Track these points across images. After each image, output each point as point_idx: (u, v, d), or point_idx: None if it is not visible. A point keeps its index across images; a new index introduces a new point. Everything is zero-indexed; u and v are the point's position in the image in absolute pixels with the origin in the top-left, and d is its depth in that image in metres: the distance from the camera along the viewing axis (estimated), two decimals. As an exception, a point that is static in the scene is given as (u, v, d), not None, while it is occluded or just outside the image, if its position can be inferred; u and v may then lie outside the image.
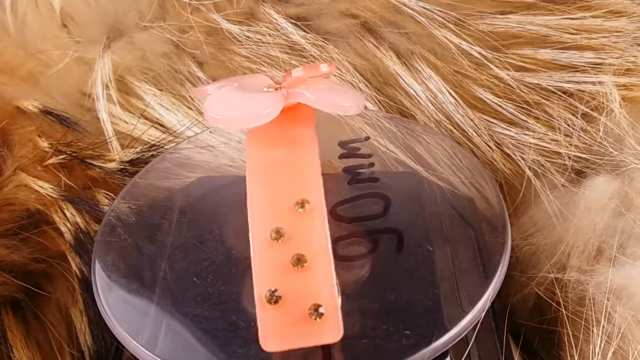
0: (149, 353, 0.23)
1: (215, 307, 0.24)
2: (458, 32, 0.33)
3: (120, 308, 0.25)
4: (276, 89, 0.26)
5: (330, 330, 0.21)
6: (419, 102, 0.33)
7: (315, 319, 0.21)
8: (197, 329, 0.24)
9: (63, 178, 0.31)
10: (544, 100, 0.33)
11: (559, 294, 0.29)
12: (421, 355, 0.22)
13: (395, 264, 0.26)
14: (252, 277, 0.22)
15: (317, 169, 0.24)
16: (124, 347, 0.25)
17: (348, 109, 0.26)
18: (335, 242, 0.26)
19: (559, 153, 0.32)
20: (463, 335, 0.23)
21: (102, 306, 0.25)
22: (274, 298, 0.22)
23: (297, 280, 0.22)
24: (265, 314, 0.22)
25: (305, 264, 0.22)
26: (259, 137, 0.25)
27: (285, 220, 0.23)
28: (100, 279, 0.26)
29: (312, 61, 0.34)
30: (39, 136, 0.32)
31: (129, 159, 0.32)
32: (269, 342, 0.21)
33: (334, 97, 0.26)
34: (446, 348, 0.23)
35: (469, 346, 0.25)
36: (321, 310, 0.21)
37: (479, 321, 0.24)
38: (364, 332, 0.23)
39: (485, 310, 0.24)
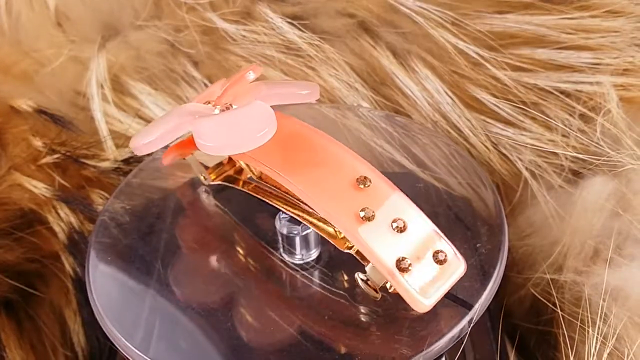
0: (142, 355, 0.23)
1: (209, 309, 0.24)
2: (455, 31, 0.33)
3: (114, 309, 0.24)
4: (227, 108, 0.24)
5: (457, 265, 0.23)
6: (415, 101, 0.33)
7: (441, 263, 0.22)
8: (191, 331, 0.24)
9: (57, 177, 0.31)
10: (541, 101, 0.32)
11: (555, 294, 0.28)
12: (417, 358, 0.22)
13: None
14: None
15: (349, 150, 0.24)
16: (117, 347, 0.25)
17: (309, 96, 0.25)
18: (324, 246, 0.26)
19: (556, 153, 0.32)
20: (458, 339, 0.23)
21: (95, 307, 0.24)
22: (404, 264, 0.22)
23: (408, 242, 0.22)
24: (402, 281, 0.22)
25: (404, 227, 0.22)
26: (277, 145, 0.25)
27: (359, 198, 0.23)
28: (94, 279, 0.25)
29: (308, 61, 0.34)
30: (33, 135, 0.32)
31: (123, 158, 0.32)
32: (420, 304, 0.22)
33: (291, 89, 0.26)
34: (442, 352, 0.23)
35: (466, 347, 0.25)
36: (441, 256, 0.22)
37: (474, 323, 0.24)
38: (360, 335, 0.23)
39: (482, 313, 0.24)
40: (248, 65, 0.27)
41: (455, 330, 0.23)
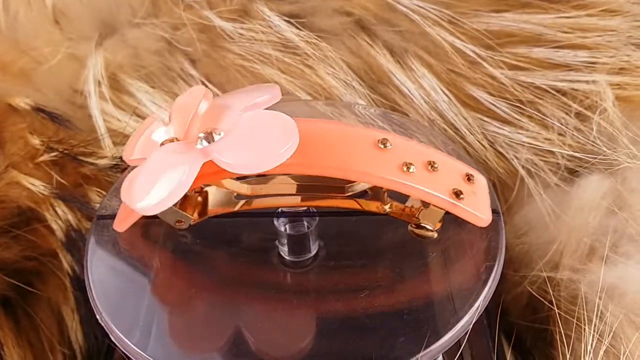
0: (141, 352, 0.23)
1: (207, 306, 0.24)
2: (452, 30, 0.33)
3: (113, 306, 0.24)
4: (208, 136, 0.23)
5: (482, 179, 0.26)
6: (412, 100, 0.33)
7: (473, 182, 0.25)
8: (189, 329, 0.24)
9: (55, 175, 0.31)
10: (537, 99, 0.33)
11: (551, 292, 0.29)
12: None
13: (388, 266, 0.26)
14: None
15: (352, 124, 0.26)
16: (115, 345, 0.25)
17: (271, 100, 0.25)
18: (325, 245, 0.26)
19: (552, 152, 0.32)
20: (456, 340, 0.23)
21: (94, 304, 0.25)
22: (457, 193, 0.24)
23: (446, 176, 0.25)
24: (463, 207, 0.25)
25: (436, 166, 0.24)
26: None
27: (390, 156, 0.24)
28: (93, 276, 0.25)
29: (305, 59, 0.34)
30: (31, 133, 0.32)
31: (122, 155, 0.32)
32: (482, 220, 0.25)
33: (253, 98, 0.25)
34: (439, 354, 0.23)
35: (462, 345, 0.25)
36: (470, 177, 0.25)
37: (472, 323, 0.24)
38: (357, 336, 0.23)
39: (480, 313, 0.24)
40: (190, 91, 0.25)
41: (454, 331, 0.23)
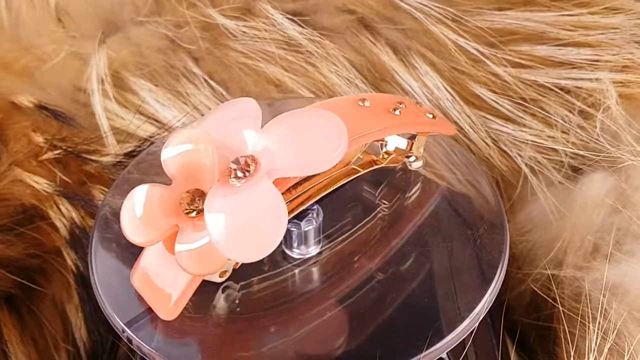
0: (146, 346, 0.23)
1: (210, 301, 0.24)
2: (455, 28, 0.33)
3: (118, 301, 0.24)
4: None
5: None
6: (415, 98, 0.33)
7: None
8: (193, 322, 0.24)
9: (58, 173, 0.31)
10: (540, 97, 0.33)
11: (555, 290, 0.29)
12: (419, 357, 0.22)
13: (392, 263, 0.26)
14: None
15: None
16: (119, 342, 0.25)
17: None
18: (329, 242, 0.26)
19: (555, 150, 0.32)
20: (460, 339, 0.23)
21: (100, 298, 0.25)
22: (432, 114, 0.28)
23: (417, 109, 0.27)
24: (439, 122, 0.28)
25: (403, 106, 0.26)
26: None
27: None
28: (97, 272, 0.25)
29: (308, 57, 0.34)
30: (34, 131, 0.32)
31: (125, 152, 0.32)
32: (453, 128, 0.29)
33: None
34: (443, 352, 0.23)
35: (466, 343, 0.25)
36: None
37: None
38: (360, 335, 0.23)
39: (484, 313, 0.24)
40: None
41: (457, 331, 0.23)
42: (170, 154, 0.22)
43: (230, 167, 0.21)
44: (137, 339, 0.23)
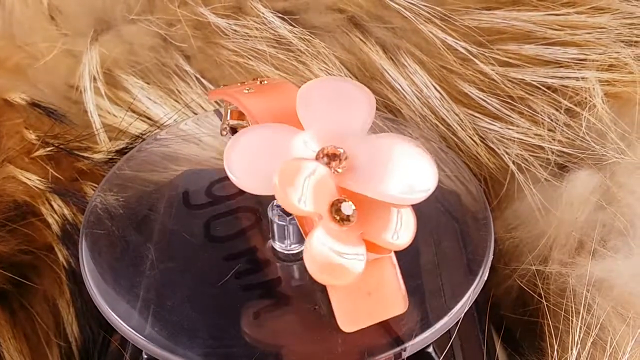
0: (138, 335, 0.23)
1: (201, 295, 0.25)
2: (444, 27, 0.33)
3: (110, 293, 0.25)
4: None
5: None
6: (404, 96, 0.34)
7: None
8: (185, 316, 0.24)
9: (50, 170, 0.32)
10: (528, 95, 0.33)
11: (540, 286, 0.29)
12: (404, 347, 0.23)
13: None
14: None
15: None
16: (110, 337, 0.25)
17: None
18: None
19: (542, 147, 0.33)
20: (446, 329, 0.24)
21: (91, 289, 0.25)
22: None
23: None
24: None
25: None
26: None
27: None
28: (88, 264, 0.26)
29: (298, 56, 0.34)
30: (27, 128, 0.32)
31: (117, 149, 0.32)
32: None
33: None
34: (429, 342, 0.23)
35: (452, 338, 0.26)
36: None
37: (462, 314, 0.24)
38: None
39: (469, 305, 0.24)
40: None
41: (443, 321, 0.23)
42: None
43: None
44: (128, 328, 0.23)
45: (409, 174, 0.22)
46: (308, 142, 0.22)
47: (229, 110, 0.28)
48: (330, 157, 0.22)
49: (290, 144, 0.22)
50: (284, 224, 0.26)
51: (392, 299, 0.23)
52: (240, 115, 0.28)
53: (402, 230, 0.22)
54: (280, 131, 0.22)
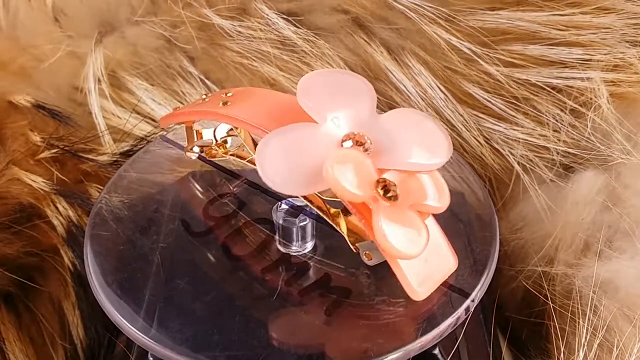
0: (144, 336, 0.23)
1: (207, 297, 0.25)
2: (448, 28, 0.33)
3: (115, 295, 0.25)
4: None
5: None
6: (409, 97, 0.34)
7: None
8: (190, 317, 0.24)
9: (55, 172, 0.32)
10: (532, 96, 0.33)
11: (546, 287, 0.29)
12: (410, 348, 0.23)
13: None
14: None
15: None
16: (116, 339, 0.25)
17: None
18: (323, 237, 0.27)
19: (547, 148, 0.33)
20: (451, 330, 0.24)
21: (96, 291, 0.25)
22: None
23: None
24: None
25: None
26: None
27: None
28: (93, 266, 0.26)
29: (302, 57, 0.34)
30: (32, 130, 0.33)
31: (121, 151, 0.32)
32: None
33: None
34: (436, 342, 0.23)
35: (458, 339, 0.26)
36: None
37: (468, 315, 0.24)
38: (352, 325, 0.24)
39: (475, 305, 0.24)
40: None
41: (449, 321, 0.23)
42: None
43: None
44: (134, 330, 0.23)
45: (425, 140, 0.24)
46: (330, 133, 0.23)
47: (194, 131, 0.29)
48: (359, 143, 0.23)
49: (317, 139, 0.23)
50: (290, 226, 0.26)
51: (445, 259, 0.24)
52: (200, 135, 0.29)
53: (439, 193, 0.23)
54: (299, 129, 0.23)
